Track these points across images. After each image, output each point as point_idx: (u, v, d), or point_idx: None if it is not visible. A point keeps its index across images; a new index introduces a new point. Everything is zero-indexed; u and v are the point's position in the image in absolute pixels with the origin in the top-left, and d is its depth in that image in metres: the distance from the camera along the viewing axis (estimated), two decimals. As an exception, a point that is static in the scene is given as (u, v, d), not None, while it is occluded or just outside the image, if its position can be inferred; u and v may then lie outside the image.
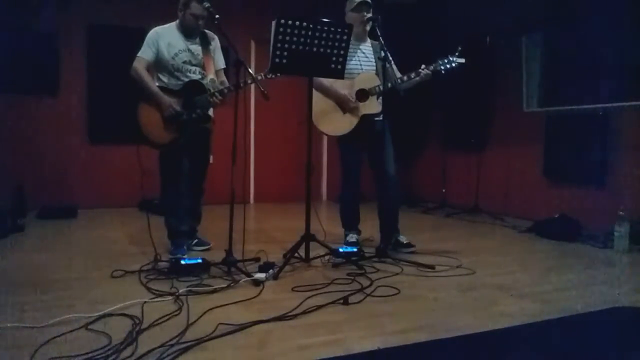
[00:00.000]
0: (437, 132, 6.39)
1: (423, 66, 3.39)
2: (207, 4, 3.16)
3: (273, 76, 3.12)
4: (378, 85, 3.43)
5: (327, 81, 3.45)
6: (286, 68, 3.00)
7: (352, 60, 3.48)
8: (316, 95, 3.42)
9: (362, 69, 3.55)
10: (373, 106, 3.49)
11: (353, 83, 3.49)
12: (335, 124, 3.51)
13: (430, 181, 6.43)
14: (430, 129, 6.54)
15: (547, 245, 3.98)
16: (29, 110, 5.19)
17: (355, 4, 3.48)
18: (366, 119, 3.48)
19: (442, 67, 3.37)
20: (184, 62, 3.26)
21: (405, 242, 3.60)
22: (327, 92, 3.50)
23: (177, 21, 3.30)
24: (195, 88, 3.23)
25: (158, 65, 3.26)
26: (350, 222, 3.77)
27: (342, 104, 3.49)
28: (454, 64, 3.36)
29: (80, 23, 5.36)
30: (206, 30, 3.35)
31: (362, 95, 3.47)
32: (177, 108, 3.17)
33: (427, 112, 6.48)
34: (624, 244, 3.70)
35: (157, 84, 3.24)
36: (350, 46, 3.19)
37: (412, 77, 3.40)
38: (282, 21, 2.88)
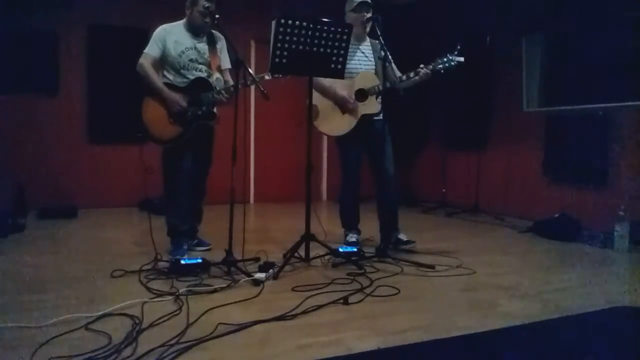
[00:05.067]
0: (437, 131, 6.39)
1: (422, 66, 3.39)
2: (207, 4, 3.17)
3: (280, 75, 3.12)
4: (377, 85, 3.44)
5: (326, 81, 3.45)
6: (286, 68, 3.00)
7: (351, 60, 3.47)
8: (315, 96, 3.41)
9: (361, 68, 3.55)
10: (372, 106, 3.49)
11: (352, 83, 3.49)
12: (334, 124, 3.51)
13: (430, 181, 6.43)
14: (430, 128, 6.54)
15: (547, 245, 3.98)
16: (29, 110, 5.19)
17: (355, 4, 3.48)
18: (365, 119, 3.49)
19: (441, 66, 3.35)
20: (191, 60, 3.27)
21: (405, 239, 3.61)
22: (326, 93, 3.50)
23: (185, 20, 3.31)
24: (201, 85, 3.24)
25: (164, 62, 3.27)
26: (350, 222, 3.77)
27: (341, 105, 3.49)
28: (452, 63, 3.34)
29: (80, 23, 5.36)
30: (213, 31, 3.35)
31: (361, 95, 3.48)
32: (184, 104, 3.18)
33: (427, 111, 6.48)
34: (624, 244, 3.70)
35: (162, 80, 3.25)
36: (350, 46, 3.19)
37: (412, 76, 3.39)
38: (282, 21, 2.88)
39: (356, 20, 3.47)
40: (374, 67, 3.59)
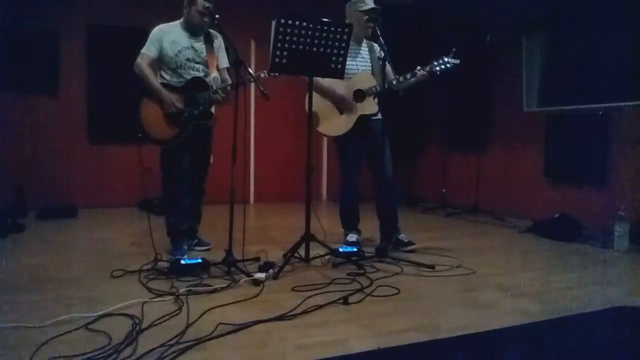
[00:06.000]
0: (437, 132, 6.39)
1: (419, 67, 3.40)
2: (206, 4, 3.17)
3: (277, 74, 3.12)
4: (375, 86, 3.45)
5: (324, 81, 3.45)
6: (286, 68, 3.00)
7: (349, 61, 3.44)
8: (314, 96, 3.39)
9: (358, 69, 3.56)
10: (370, 106, 3.50)
11: (350, 83, 3.50)
12: (332, 124, 3.52)
13: (430, 181, 6.43)
14: (430, 129, 6.54)
15: (547, 245, 3.98)
16: (29, 110, 5.19)
17: (367, 8, 3.46)
18: (363, 119, 3.50)
19: (437, 68, 3.37)
20: (188, 60, 3.26)
21: (406, 240, 3.61)
22: (324, 93, 3.51)
23: (182, 19, 3.31)
24: (197, 85, 3.24)
25: (161, 62, 3.27)
26: (350, 222, 3.78)
27: (340, 105, 3.50)
28: (448, 65, 3.37)
29: (80, 23, 5.36)
30: (210, 30, 3.35)
31: (359, 95, 3.49)
32: (179, 105, 3.18)
33: (427, 111, 6.48)
34: (624, 244, 3.70)
35: (159, 80, 3.25)
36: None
37: (409, 78, 3.41)
38: (282, 21, 2.88)
39: (359, 21, 3.47)
40: (370, 67, 3.60)
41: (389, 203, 3.63)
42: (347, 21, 3.55)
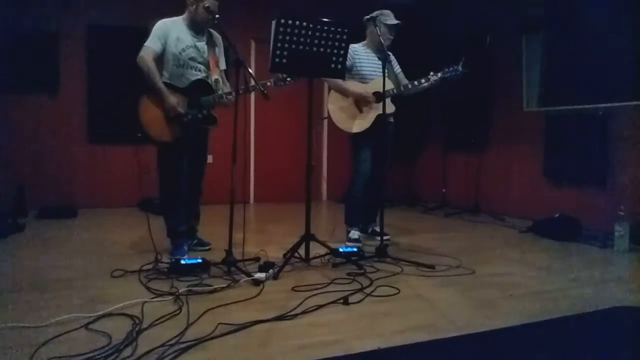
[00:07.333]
0: (437, 132, 6.39)
1: (432, 73, 3.63)
2: (207, 4, 3.15)
3: (283, 84, 3.11)
4: (392, 89, 3.64)
5: (344, 82, 3.62)
6: (286, 68, 3.00)
7: (367, 66, 3.76)
8: (335, 95, 3.71)
9: (376, 74, 3.73)
10: (387, 107, 3.62)
11: (369, 88, 3.69)
12: (353, 122, 3.71)
13: (430, 181, 6.43)
14: (430, 129, 6.54)
15: (547, 245, 3.98)
16: (29, 110, 5.19)
17: (394, 24, 3.71)
18: (381, 119, 3.59)
19: (448, 75, 3.62)
20: (190, 59, 3.22)
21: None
22: (345, 92, 3.71)
23: (184, 16, 3.26)
24: (202, 88, 3.21)
25: (163, 59, 3.20)
26: (356, 217, 3.83)
27: (361, 101, 3.69)
28: (458, 72, 3.60)
29: (80, 23, 5.36)
30: (211, 30, 3.33)
31: (378, 97, 3.64)
32: (181, 110, 3.14)
33: (427, 111, 6.48)
34: (624, 244, 3.70)
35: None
36: (366, 53, 3.73)
37: (422, 82, 3.64)
38: (282, 21, 2.88)
39: (381, 32, 3.63)
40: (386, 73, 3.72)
41: (380, 194, 3.69)
42: (367, 31, 3.82)
